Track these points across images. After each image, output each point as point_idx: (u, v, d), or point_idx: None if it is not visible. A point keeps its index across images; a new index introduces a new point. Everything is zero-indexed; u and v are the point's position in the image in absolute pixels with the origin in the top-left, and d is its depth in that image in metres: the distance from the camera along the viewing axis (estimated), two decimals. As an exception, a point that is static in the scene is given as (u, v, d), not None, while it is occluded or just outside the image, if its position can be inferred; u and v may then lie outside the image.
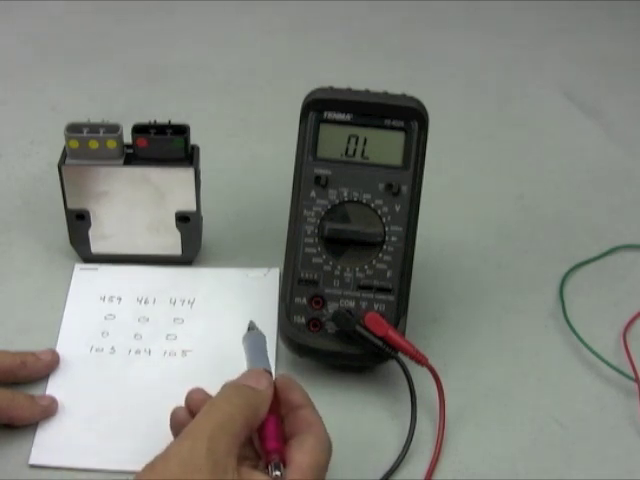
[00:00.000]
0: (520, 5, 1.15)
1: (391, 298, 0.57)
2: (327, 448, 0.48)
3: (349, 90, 0.58)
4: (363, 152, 0.58)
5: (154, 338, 0.61)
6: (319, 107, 0.58)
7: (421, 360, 0.55)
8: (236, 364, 0.59)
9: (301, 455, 0.46)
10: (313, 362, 0.59)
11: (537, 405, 0.58)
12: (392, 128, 0.58)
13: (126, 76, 0.94)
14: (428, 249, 0.65)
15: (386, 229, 0.58)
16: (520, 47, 1.05)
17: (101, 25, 1.05)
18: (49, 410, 0.55)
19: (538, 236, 0.74)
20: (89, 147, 0.61)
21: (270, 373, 0.51)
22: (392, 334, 0.55)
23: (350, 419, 0.56)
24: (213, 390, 0.49)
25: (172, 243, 0.66)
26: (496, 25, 1.11)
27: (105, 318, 0.63)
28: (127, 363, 0.59)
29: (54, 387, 0.57)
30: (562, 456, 0.55)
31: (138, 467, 0.43)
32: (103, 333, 0.61)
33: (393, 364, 0.57)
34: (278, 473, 0.45)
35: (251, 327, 0.55)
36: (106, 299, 0.64)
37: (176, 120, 0.62)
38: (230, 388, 0.48)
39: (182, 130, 0.61)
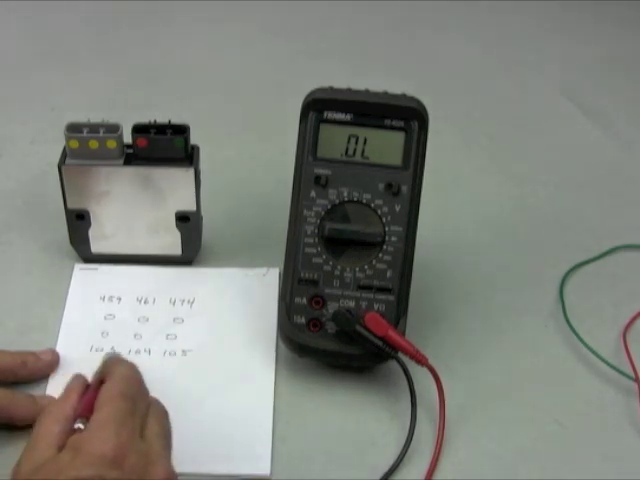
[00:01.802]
0: (520, 5, 1.15)
1: (391, 298, 0.57)
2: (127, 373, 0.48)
3: (349, 90, 0.58)
4: (363, 152, 0.58)
5: (154, 338, 0.61)
6: (319, 107, 0.58)
7: (421, 360, 0.55)
8: (236, 364, 0.60)
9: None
10: (313, 362, 0.59)
11: (537, 405, 0.58)
12: (392, 128, 0.58)
13: (126, 76, 0.94)
14: (428, 249, 0.65)
15: (386, 229, 0.58)
16: (520, 47, 1.05)
17: (101, 25, 1.05)
18: (49, 410, 0.55)
19: (538, 236, 0.74)
20: (89, 147, 0.61)
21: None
22: (392, 334, 0.55)
23: (350, 419, 0.56)
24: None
25: (172, 243, 0.66)
26: (496, 25, 1.11)
27: (105, 318, 0.63)
28: (127, 363, 0.59)
29: (54, 387, 0.57)
30: (562, 456, 0.55)
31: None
32: (103, 333, 0.61)
33: (393, 364, 0.57)
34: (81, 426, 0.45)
35: None
36: (106, 299, 0.64)
37: (176, 120, 0.62)
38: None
39: (182, 130, 0.61)
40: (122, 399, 0.45)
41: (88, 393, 0.48)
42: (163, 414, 0.48)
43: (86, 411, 0.46)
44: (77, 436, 0.44)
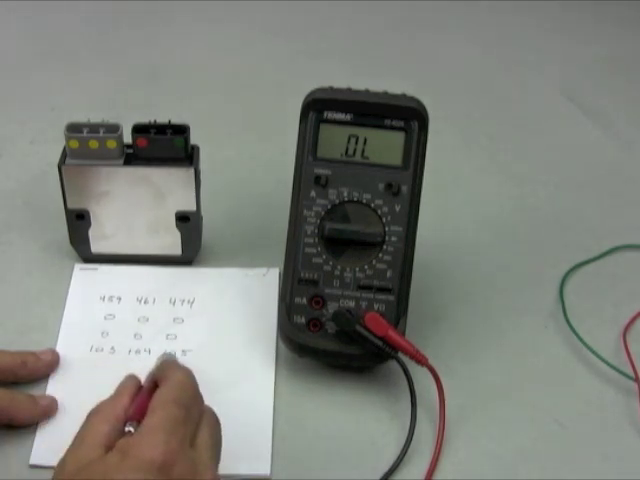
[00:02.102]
0: (520, 5, 1.15)
1: (391, 298, 0.57)
2: (185, 381, 0.48)
3: (349, 90, 0.58)
4: (363, 152, 0.58)
5: (154, 338, 0.61)
6: (319, 107, 0.58)
7: (421, 360, 0.55)
8: (236, 364, 0.60)
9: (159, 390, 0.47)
10: (313, 362, 0.59)
11: (537, 405, 0.58)
12: (392, 128, 0.58)
13: (126, 76, 0.94)
14: (428, 249, 0.65)
15: (386, 229, 0.58)
16: (520, 47, 1.05)
17: (101, 25, 1.05)
18: (49, 410, 0.55)
19: (538, 236, 0.74)
20: (89, 147, 0.61)
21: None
22: (392, 334, 0.55)
23: (350, 419, 0.56)
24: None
25: (172, 243, 0.66)
26: (496, 25, 1.11)
27: (105, 318, 0.63)
28: (127, 363, 0.59)
29: (54, 387, 0.57)
30: (562, 456, 0.55)
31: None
32: (103, 333, 0.61)
33: (393, 364, 0.57)
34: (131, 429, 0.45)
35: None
36: (106, 299, 0.64)
37: (176, 120, 0.62)
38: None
39: (182, 130, 0.61)
40: (176, 406, 0.45)
41: (141, 396, 0.48)
42: (215, 424, 0.48)
43: (137, 414, 0.46)
44: (126, 439, 0.44)
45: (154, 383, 0.49)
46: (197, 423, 0.46)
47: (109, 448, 0.43)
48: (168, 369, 0.49)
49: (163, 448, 0.42)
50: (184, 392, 0.46)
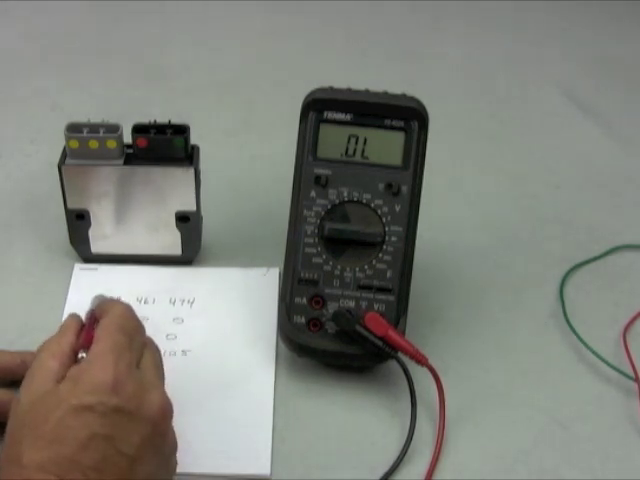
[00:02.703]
0: (520, 5, 1.15)
1: (391, 298, 0.57)
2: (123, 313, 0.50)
3: (349, 90, 0.58)
4: (363, 152, 0.58)
5: (154, 338, 0.61)
6: (319, 107, 0.58)
7: (421, 360, 0.55)
8: (236, 364, 0.60)
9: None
10: (313, 362, 0.59)
11: (537, 405, 0.58)
12: (392, 128, 0.58)
13: (126, 76, 0.94)
14: (428, 249, 0.65)
15: (386, 229, 0.58)
16: (520, 47, 1.05)
17: (101, 25, 1.05)
18: (49, 410, 0.55)
19: (538, 236, 0.74)
20: (89, 147, 0.61)
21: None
22: (392, 334, 0.55)
23: (350, 419, 0.56)
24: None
25: (172, 243, 0.66)
26: (496, 25, 1.11)
27: (105, 318, 0.63)
28: (127, 363, 0.59)
29: (54, 387, 0.57)
30: (562, 456, 0.55)
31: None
32: (103, 333, 0.61)
33: (393, 364, 0.57)
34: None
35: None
36: (106, 299, 0.64)
37: (176, 120, 0.62)
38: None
39: (182, 130, 0.61)
40: (120, 333, 0.47)
41: (86, 329, 0.50)
42: (157, 350, 0.50)
43: (87, 343, 0.48)
44: (76, 367, 0.46)
45: (94, 318, 0.51)
46: (140, 350, 0.48)
47: (60, 381, 0.45)
48: (107, 303, 0.52)
49: (113, 370, 0.44)
50: (126, 321, 0.49)
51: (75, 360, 0.48)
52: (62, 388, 0.44)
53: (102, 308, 0.51)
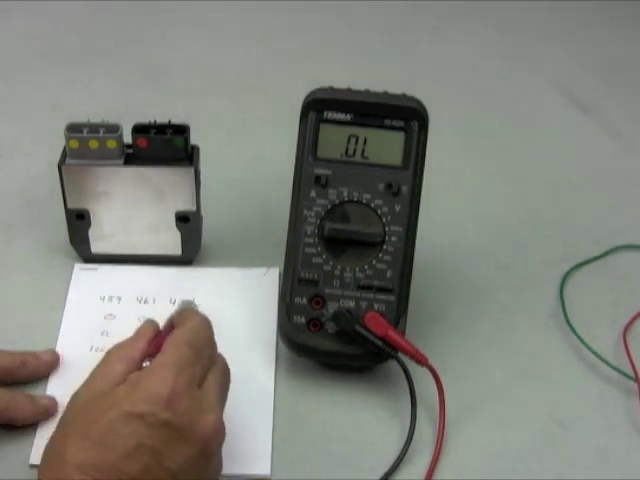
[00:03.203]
0: (520, 5, 1.15)
1: (391, 298, 0.57)
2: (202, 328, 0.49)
3: (349, 90, 0.58)
4: (363, 152, 0.58)
5: (154, 338, 0.61)
6: (319, 107, 0.58)
7: (421, 360, 0.55)
8: (236, 364, 0.60)
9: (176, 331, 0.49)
10: (313, 362, 0.59)
11: (537, 405, 0.58)
12: (392, 128, 0.58)
13: (126, 76, 0.94)
14: (428, 249, 0.65)
15: (386, 229, 0.58)
16: (520, 47, 1.05)
17: (101, 25, 1.05)
18: (49, 410, 0.55)
19: (538, 236, 0.74)
20: (89, 147, 0.61)
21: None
22: (392, 334, 0.55)
23: (350, 419, 0.56)
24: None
25: (172, 243, 0.66)
26: (496, 25, 1.11)
27: (105, 318, 0.63)
28: (127, 363, 0.59)
29: (54, 387, 0.57)
30: (562, 456, 0.55)
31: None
32: (103, 333, 0.61)
33: (393, 364, 0.57)
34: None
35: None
36: (106, 299, 0.64)
37: (176, 120, 0.62)
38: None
39: (182, 130, 0.61)
40: (187, 347, 0.46)
41: (159, 337, 0.49)
42: (225, 371, 0.49)
43: (156, 352, 0.47)
44: (136, 373, 0.45)
45: (172, 326, 0.50)
46: (207, 367, 0.47)
47: (118, 385, 0.45)
48: (186, 313, 0.51)
49: (171, 384, 0.43)
50: (198, 335, 0.48)
51: (141, 367, 0.47)
52: (118, 392, 0.44)
53: (180, 317, 0.50)
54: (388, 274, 0.57)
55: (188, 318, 0.50)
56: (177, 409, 0.43)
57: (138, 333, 0.50)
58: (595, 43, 1.07)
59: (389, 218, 0.58)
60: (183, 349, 0.46)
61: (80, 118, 0.62)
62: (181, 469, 0.43)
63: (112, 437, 0.42)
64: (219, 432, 0.45)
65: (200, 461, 0.44)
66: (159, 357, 0.46)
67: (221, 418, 0.46)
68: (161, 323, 0.61)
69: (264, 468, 0.53)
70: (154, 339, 0.50)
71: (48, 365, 0.58)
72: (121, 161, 0.62)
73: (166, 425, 0.42)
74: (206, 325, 0.50)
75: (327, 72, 0.81)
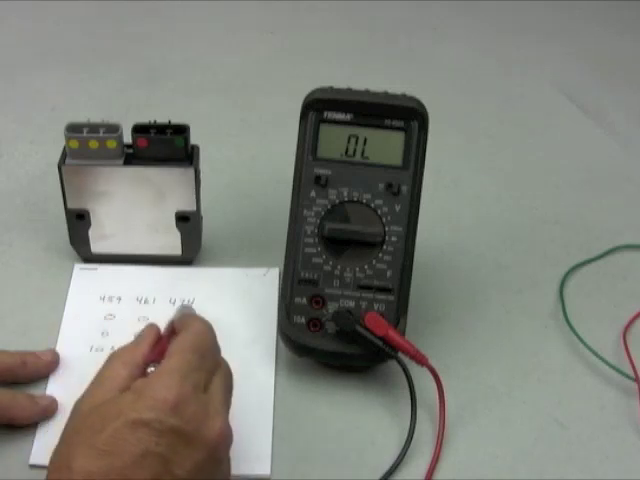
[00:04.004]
0: (520, 5, 1.15)
1: (391, 298, 0.57)
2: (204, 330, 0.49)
3: (349, 90, 0.58)
4: (363, 152, 0.58)
5: (154, 338, 0.61)
6: (319, 107, 0.58)
7: (421, 360, 0.55)
8: (236, 364, 0.60)
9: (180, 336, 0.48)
10: (313, 362, 0.59)
11: (537, 405, 0.58)
12: (392, 128, 0.58)
13: (126, 76, 0.94)
14: (428, 249, 0.65)
15: (386, 229, 0.58)
16: (520, 47, 1.05)
17: (101, 25, 1.05)
18: (49, 410, 0.54)
19: (538, 236, 0.74)
20: (89, 147, 0.61)
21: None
22: (392, 334, 0.55)
23: (350, 419, 0.56)
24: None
25: (172, 243, 0.66)
26: (496, 25, 1.11)
27: (105, 318, 0.63)
28: (127, 363, 0.59)
29: (54, 387, 0.57)
30: (562, 456, 0.55)
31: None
32: (103, 333, 0.61)
33: (393, 364, 0.57)
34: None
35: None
36: (106, 299, 0.64)
37: (176, 120, 0.62)
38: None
39: (182, 130, 0.61)
40: (192, 352, 0.46)
41: (161, 342, 0.49)
42: (229, 375, 0.49)
43: (159, 357, 0.47)
44: (141, 380, 0.45)
45: (173, 331, 0.50)
46: (212, 372, 0.47)
47: (123, 392, 0.44)
48: (188, 318, 0.51)
49: (177, 390, 0.43)
50: (201, 340, 0.48)
51: (144, 372, 0.47)
52: (123, 399, 0.43)
53: (182, 322, 0.50)
54: (388, 274, 0.57)
55: (191, 323, 0.49)
56: (184, 415, 0.43)
57: (140, 338, 0.50)
58: (595, 43, 1.07)
59: (389, 218, 0.58)
60: (188, 354, 0.46)
61: (80, 118, 0.62)
62: (190, 475, 0.42)
63: (119, 445, 0.41)
64: (226, 437, 0.45)
65: (208, 467, 0.44)
66: (164, 363, 0.46)
67: (227, 422, 0.45)
68: (161, 324, 0.61)
69: (264, 468, 0.53)
70: (156, 344, 0.50)
71: (48, 365, 0.58)
72: (121, 161, 0.62)
73: (173, 431, 0.42)
74: (209, 330, 0.49)
75: (327, 72, 0.81)
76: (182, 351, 0.46)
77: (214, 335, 0.49)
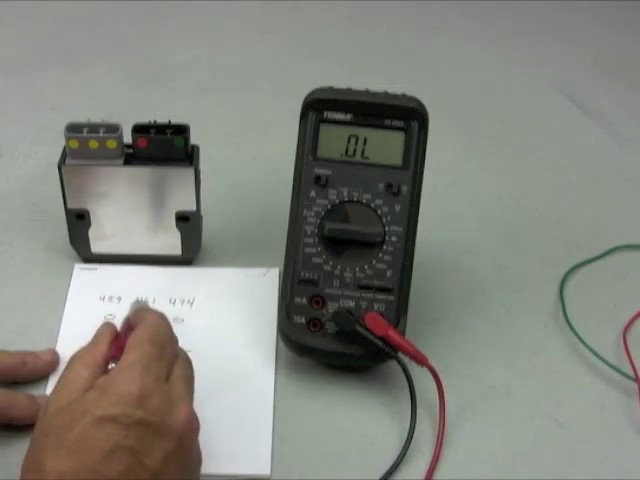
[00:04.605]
0: (520, 5, 1.15)
1: (391, 298, 0.57)
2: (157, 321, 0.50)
3: (349, 90, 0.58)
4: (363, 152, 0.58)
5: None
6: (319, 107, 0.58)
7: (421, 360, 0.55)
8: (236, 364, 0.60)
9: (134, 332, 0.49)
10: (313, 362, 0.59)
11: (537, 405, 0.58)
12: (392, 128, 0.58)
13: (126, 76, 0.94)
14: (428, 249, 0.65)
15: (386, 229, 0.58)
16: (519, 47, 1.05)
17: (101, 25, 1.05)
18: (49, 410, 0.55)
19: (538, 236, 0.74)
20: (89, 147, 0.61)
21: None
22: (392, 334, 0.55)
23: (350, 419, 0.56)
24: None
25: (172, 243, 0.66)
26: (496, 25, 1.11)
27: (105, 318, 0.62)
28: (127, 363, 0.59)
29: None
30: (562, 456, 0.55)
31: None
32: (103, 333, 0.61)
33: (393, 364, 0.57)
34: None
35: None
36: (106, 299, 0.64)
37: (176, 120, 0.62)
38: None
39: (182, 130, 0.61)
40: (150, 344, 0.47)
41: (119, 338, 0.50)
42: (188, 363, 0.50)
43: (118, 353, 0.47)
44: (104, 377, 0.45)
45: (129, 327, 0.51)
46: (171, 362, 0.48)
47: (87, 391, 0.45)
48: (142, 312, 0.51)
49: (140, 382, 0.44)
50: (158, 332, 0.48)
51: (106, 370, 0.47)
52: (88, 398, 0.44)
53: (137, 316, 0.51)
54: (388, 274, 0.57)
55: (145, 316, 0.50)
56: (149, 406, 0.43)
57: (97, 337, 0.50)
58: (595, 43, 1.07)
59: (389, 218, 0.58)
60: (146, 346, 0.46)
61: (80, 118, 0.62)
62: (162, 466, 0.43)
63: (88, 443, 0.42)
64: (192, 423, 0.46)
65: (178, 455, 0.44)
66: (123, 358, 0.46)
67: (192, 409, 0.46)
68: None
69: (264, 468, 0.53)
70: (114, 341, 0.50)
71: (48, 365, 0.58)
72: (121, 161, 0.62)
73: (140, 423, 0.43)
74: (164, 321, 0.50)
75: (327, 72, 0.81)
76: (140, 344, 0.47)
77: (169, 326, 0.50)
